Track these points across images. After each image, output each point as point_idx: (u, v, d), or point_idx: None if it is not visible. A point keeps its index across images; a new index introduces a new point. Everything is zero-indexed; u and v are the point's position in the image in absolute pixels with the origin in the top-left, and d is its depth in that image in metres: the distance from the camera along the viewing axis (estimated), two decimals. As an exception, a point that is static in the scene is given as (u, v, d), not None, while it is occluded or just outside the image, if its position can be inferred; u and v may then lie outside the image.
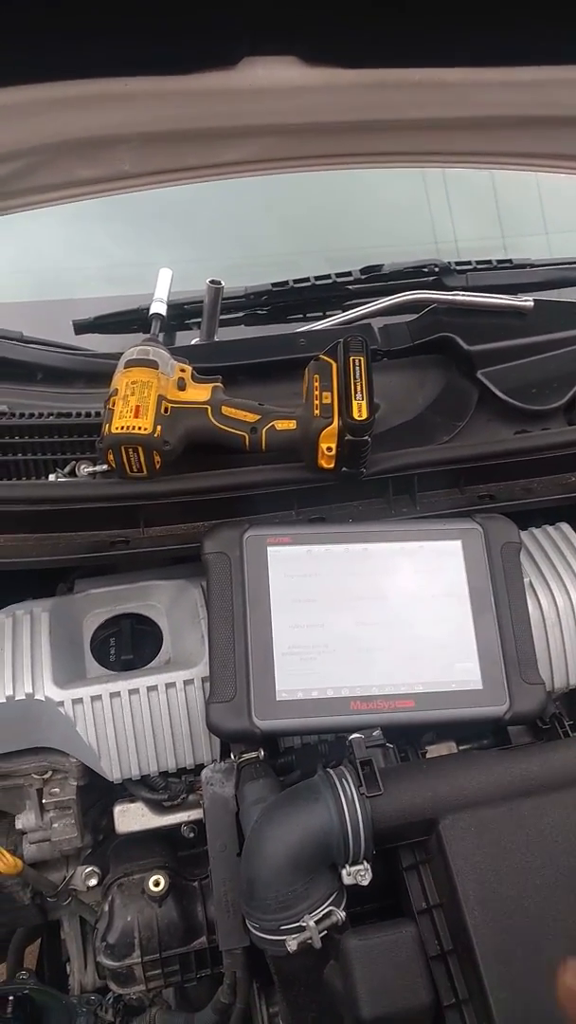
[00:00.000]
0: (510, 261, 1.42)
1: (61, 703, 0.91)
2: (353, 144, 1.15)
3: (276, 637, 0.91)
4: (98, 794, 0.96)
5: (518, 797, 0.81)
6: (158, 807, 0.94)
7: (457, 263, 1.39)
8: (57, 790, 0.92)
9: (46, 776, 0.92)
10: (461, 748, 0.96)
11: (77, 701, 0.91)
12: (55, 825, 0.92)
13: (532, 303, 1.20)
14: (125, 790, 0.95)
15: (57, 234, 1.49)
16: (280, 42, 0.89)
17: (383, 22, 0.88)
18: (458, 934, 0.77)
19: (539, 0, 0.83)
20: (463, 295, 1.23)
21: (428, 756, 0.94)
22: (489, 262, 1.41)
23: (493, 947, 0.74)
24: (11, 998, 0.87)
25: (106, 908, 0.90)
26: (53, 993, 0.92)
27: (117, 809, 0.94)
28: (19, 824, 0.93)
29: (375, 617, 0.95)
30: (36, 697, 0.91)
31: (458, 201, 1.76)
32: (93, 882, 0.93)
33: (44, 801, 0.92)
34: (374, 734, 0.86)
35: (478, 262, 1.40)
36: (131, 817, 0.94)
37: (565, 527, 1.09)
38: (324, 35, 0.90)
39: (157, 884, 0.89)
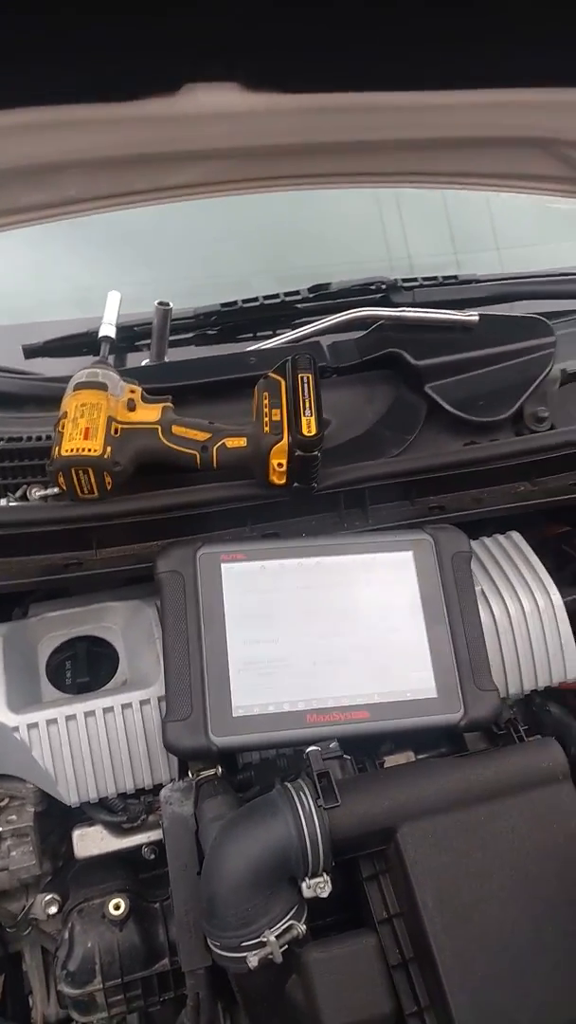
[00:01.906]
0: (455, 277, 1.46)
1: (16, 728, 0.90)
2: (296, 166, 1.18)
3: (231, 653, 0.91)
4: (56, 819, 0.95)
5: (474, 803, 0.82)
6: (117, 829, 0.94)
7: (404, 280, 1.42)
8: (14, 817, 0.91)
9: (2, 803, 0.91)
10: (419, 757, 0.97)
11: (32, 726, 0.90)
12: (13, 853, 0.91)
13: (477, 317, 1.23)
14: (83, 814, 0.94)
15: (5, 259, 1.49)
16: (220, 68, 0.91)
17: (321, 48, 0.90)
18: (418, 941, 0.77)
19: (476, 24, 0.86)
20: (410, 311, 1.26)
21: (386, 766, 0.95)
22: (435, 278, 1.44)
23: (452, 952, 0.75)
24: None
25: (66, 935, 0.89)
26: (14, 1027, 0.90)
27: (76, 833, 0.93)
28: (-25, 854, 0.92)
29: (330, 630, 0.96)
30: (-10, 723, 0.90)
31: (411, 219, 1.79)
32: (53, 910, 0.92)
33: (1, 829, 0.91)
34: (331, 746, 0.87)
35: (424, 278, 1.43)
36: (90, 841, 0.93)
37: (515, 535, 1.12)
38: (263, 61, 0.91)
39: (117, 908, 0.88)
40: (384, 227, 1.78)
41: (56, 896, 0.92)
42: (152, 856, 0.94)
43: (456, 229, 1.81)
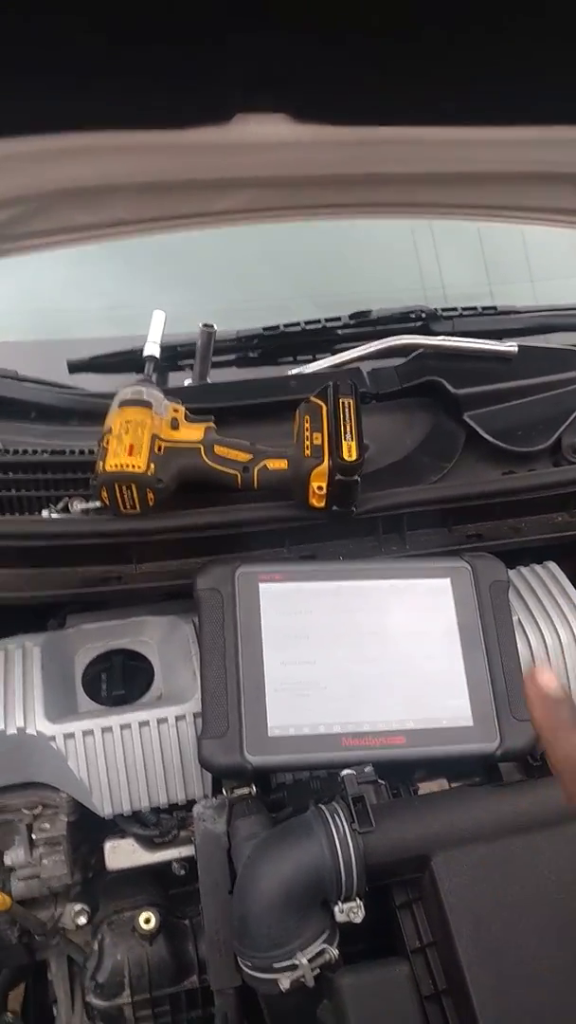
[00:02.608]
0: (495, 308, 1.47)
1: (53, 738, 0.91)
2: (341, 196, 1.20)
3: (268, 673, 0.92)
4: (88, 830, 0.95)
5: (511, 834, 0.82)
6: (149, 843, 0.94)
7: (443, 309, 1.43)
8: (47, 826, 0.92)
9: (36, 811, 0.92)
10: (452, 785, 0.97)
11: (69, 736, 0.91)
12: (45, 861, 0.91)
13: (516, 348, 1.25)
14: (116, 826, 0.94)
15: (53, 276, 1.52)
16: (271, 100, 0.94)
17: (369, 82, 0.93)
18: (452, 973, 0.77)
19: (523, 63, 0.88)
20: (450, 340, 1.27)
21: (420, 793, 0.95)
22: (475, 308, 1.46)
23: (487, 986, 0.74)
24: (-4, 1043, 0.85)
25: (96, 946, 0.89)
26: (38, 1038, 0.90)
27: (108, 845, 0.94)
28: (8, 860, 0.92)
29: (366, 654, 0.96)
30: (27, 731, 0.91)
31: (445, 249, 1.82)
32: (83, 920, 0.92)
33: (34, 837, 0.92)
34: (366, 770, 0.87)
35: (464, 308, 1.45)
36: (122, 854, 0.93)
37: (552, 566, 1.12)
38: (313, 94, 0.94)
39: (148, 922, 0.88)
40: (419, 257, 1.80)
41: (85, 907, 0.93)
42: (182, 872, 0.94)
43: (490, 260, 1.84)
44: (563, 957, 0.76)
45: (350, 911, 0.78)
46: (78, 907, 0.92)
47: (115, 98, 0.90)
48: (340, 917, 0.78)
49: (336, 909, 0.78)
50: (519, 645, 0.99)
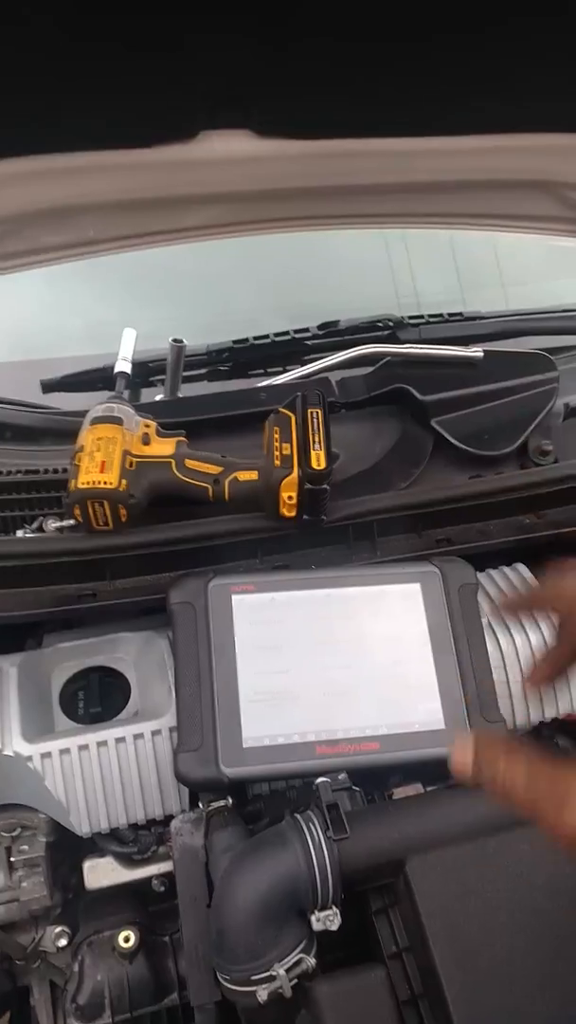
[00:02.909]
0: (460, 314, 1.49)
1: (29, 758, 0.91)
2: (307, 208, 1.22)
3: (242, 684, 0.93)
4: (67, 850, 0.95)
5: (484, 835, 0.82)
6: (128, 861, 0.94)
7: (410, 317, 1.45)
8: (26, 847, 0.91)
9: (15, 833, 0.92)
10: (428, 789, 0.97)
11: (46, 755, 0.91)
12: (24, 884, 0.91)
13: (482, 353, 1.26)
14: (94, 845, 0.94)
15: (26, 296, 1.53)
16: (234, 116, 0.95)
17: (331, 96, 0.94)
18: (428, 977, 0.77)
19: (480, 72, 0.90)
20: (416, 347, 1.29)
21: (395, 798, 0.95)
22: (441, 315, 1.48)
23: (462, 988, 0.74)
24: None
25: (76, 968, 0.89)
26: (23, 1062, 0.90)
27: (87, 865, 0.93)
28: (-13, 884, 0.92)
29: (339, 661, 0.97)
30: (4, 752, 0.91)
31: (418, 258, 1.84)
32: (63, 942, 0.92)
33: (12, 859, 0.91)
34: (340, 777, 0.87)
35: (430, 315, 1.47)
36: (101, 872, 0.93)
37: (521, 567, 1.13)
38: (275, 110, 0.96)
39: (127, 940, 0.88)
40: (392, 266, 1.82)
41: (66, 928, 0.92)
42: (162, 888, 0.94)
43: (462, 267, 1.86)
44: (537, 957, 0.76)
45: (326, 919, 0.78)
46: (58, 929, 0.92)
47: (81, 119, 0.92)
48: (317, 926, 0.78)
49: (313, 918, 0.78)
50: (489, 646, 1.00)
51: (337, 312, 1.52)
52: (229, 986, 0.78)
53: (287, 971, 0.76)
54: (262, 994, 0.75)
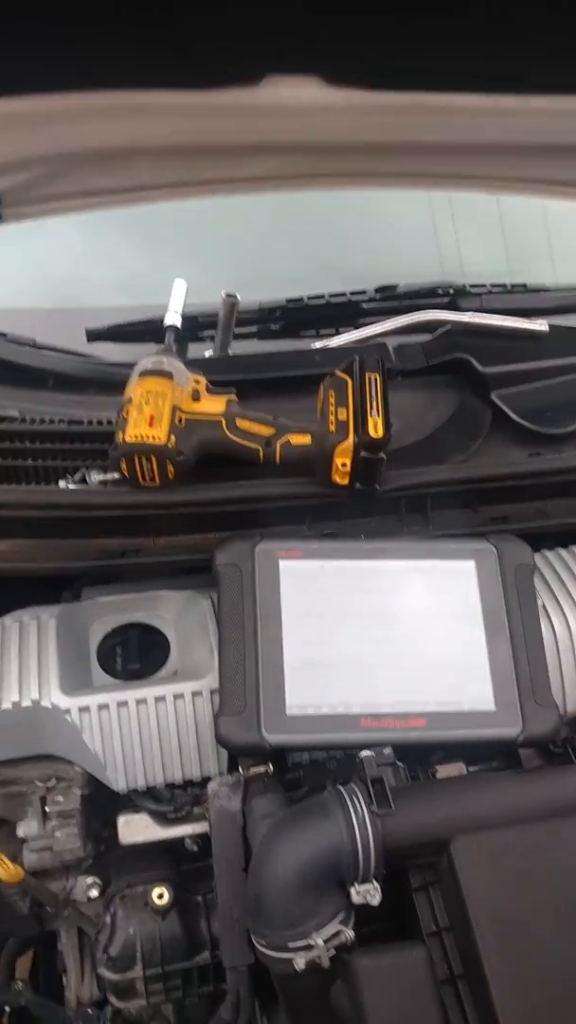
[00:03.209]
0: (524, 285, 1.44)
1: (68, 711, 0.90)
2: (370, 164, 1.17)
3: (287, 651, 0.91)
4: (102, 804, 0.95)
5: (532, 821, 0.81)
6: (162, 819, 0.93)
7: (472, 285, 1.40)
8: (61, 798, 0.91)
9: (50, 784, 0.91)
10: (471, 769, 0.96)
11: (84, 709, 0.90)
12: (57, 834, 0.91)
13: (547, 327, 1.21)
14: (129, 801, 0.94)
15: (73, 243, 1.49)
16: (303, 62, 0.90)
17: (403, 46, 0.89)
18: (468, 959, 0.76)
19: (557, 31, 0.84)
20: (478, 317, 1.24)
21: (439, 776, 0.94)
22: (504, 285, 1.43)
23: (504, 974, 0.73)
24: (7, 1010, 0.85)
25: (108, 920, 0.89)
26: (50, 1005, 0.90)
27: (121, 820, 0.93)
28: (21, 832, 0.92)
29: (387, 635, 0.95)
30: (42, 704, 0.90)
31: (464, 225, 1.77)
32: (94, 893, 0.92)
33: (47, 809, 0.91)
34: (385, 752, 0.86)
35: (493, 285, 1.41)
36: (135, 828, 0.93)
37: (577, 550, 1.10)
38: (346, 57, 0.91)
39: (161, 897, 0.88)
40: (437, 233, 1.76)
41: (97, 880, 0.93)
42: (195, 848, 0.94)
43: (510, 238, 1.79)
44: (583, 947, 0.74)
45: (367, 893, 0.77)
46: (90, 880, 0.92)
47: (142, 57, 0.87)
48: (356, 899, 0.77)
49: (352, 891, 0.77)
50: (543, 630, 0.97)
51: (382, 276, 1.46)
52: (265, 951, 0.77)
53: (325, 942, 0.75)
54: (299, 962, 0.74)
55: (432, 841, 0.80)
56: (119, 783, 0.91)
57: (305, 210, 1.61)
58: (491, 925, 0.75)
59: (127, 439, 0.96)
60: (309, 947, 0.75)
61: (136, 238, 1.53)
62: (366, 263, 1.64)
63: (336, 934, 0.76)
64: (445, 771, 0.94)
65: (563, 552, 1.09)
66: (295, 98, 0.94)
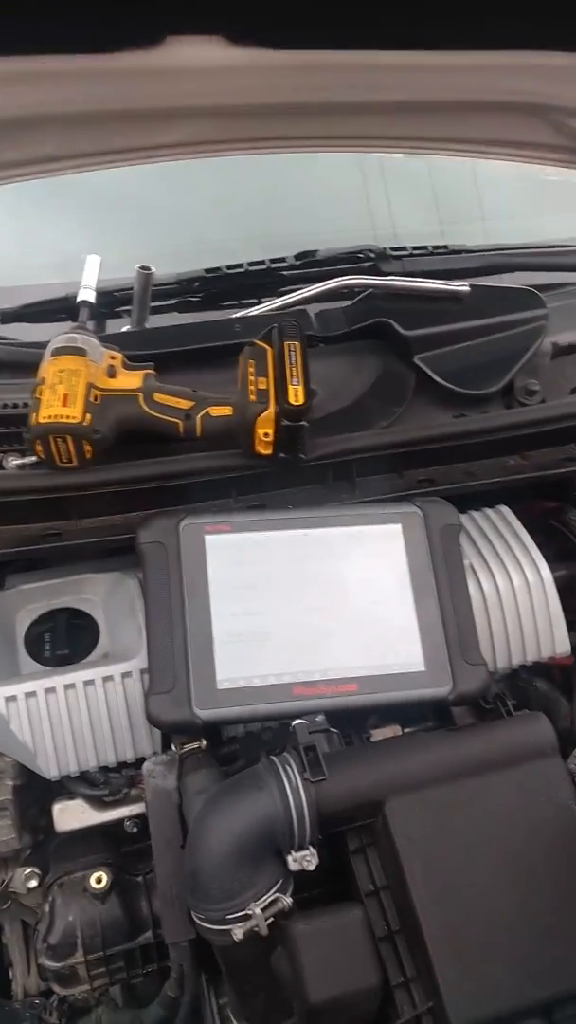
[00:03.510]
0: (446, 247, 1.43)
1: (-7, 702, 0.87)
2: (284, 127, 1.14)
3: (216, 626, 0.90)
4: (36, 793, 0.93)
5: (463, 777, 0.82)
6: (99, 803, 0.92)
7: (393, 249, 1.39)
8: (-7, 791, 0.89)
9: (-20, 777, 0.89)
10: (406, 731, 0.96)
11: (11, 699, 0.88)
12: (-8, 827, 0.89)
13: (468, 288, 1.21)
14: (64, 787, 0.92)
15: (-18, 219, 1.44)
16: (205, 21, 0.87)
17: (310, 2, 0.87)
18: (405, 914, 0.77)
19: None
20: (399, 280, 1.23)
21: (374, 740, 0.94)
22: (425, 248, 1.42)
23: (440, 925, 0.75)
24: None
25: (47, 909, 0.88)
26: (-4, 1000, 0.89)
27: (56, 807, 0.92)
28: (-46, 829, 0.90)
29: (317, 603, 0.94)
30: (-32, 697, 0.87)
31: (395, 188, 1.76)
32: (33, 883, 0.90)
33: (-21, 803, 0.89)
34: (317, 719, 0.86)
35: (414, 248, 1.41)
36: (71, 815, 0.91)
37: (504, 510, 1.11)
38: (250, 14, 0.88)
39: (99, 881, 0.87)
40: (368, 197, 1.74)
41: (36, 870, 0.91)
42: (134, 830, 0.93)
43: (441, 200, 1.79)
44: (513, 894, 0.76)
45: (303, 859, 0.77)
46: (27, 871, 0.91)
47: (35, 19, 0.83)
48: (293, 866, 0.77)
49: (289, 858, 0.78)
50: (471, 589, 0.98)
51: (313, 243, 1.44)
52: (204, 925, 0.77)
53: (263, 911, 0.75)
54: (237, 932, 0.75)
55: (367, 803, 0.80)
56: (51, 771, 0.89)
57: (229, 176, 1.58)
58: (426, 879, 0.76)
59: (40, 420, 0.93)
60: (247, 917, 0.75)
61: (51, 213, 1.48)
62: (296, 231, 1.62)
63: (274, 902, 0.76)
64: (380, 734, 0.94)
65: (489, 512, 1.10)
66: (199, 59, 0.91)
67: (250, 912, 0.75)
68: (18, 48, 0.86)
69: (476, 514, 1.10)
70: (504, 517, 1.09)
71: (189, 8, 0.85)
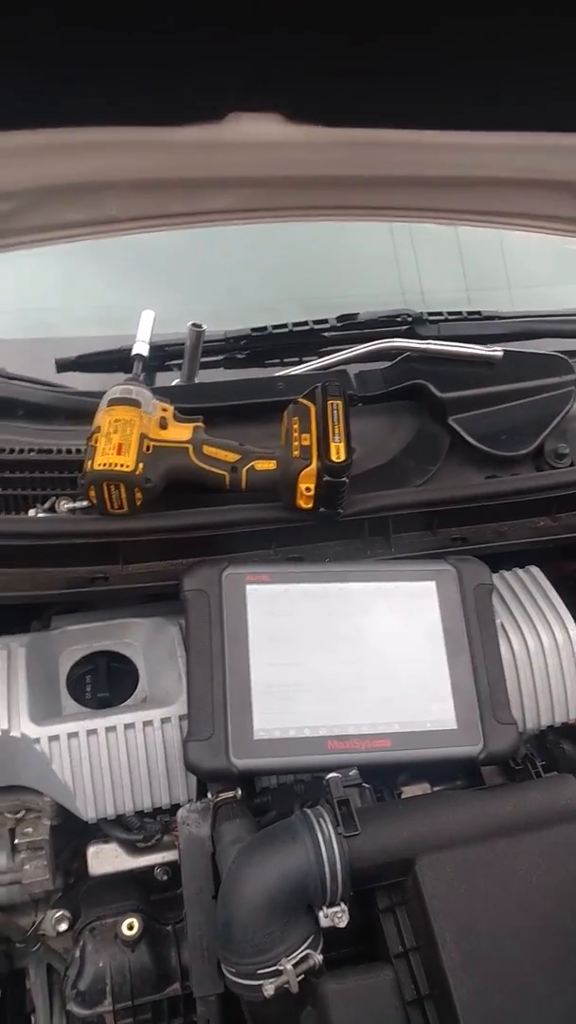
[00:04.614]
0: (479, 313, 1.48)
1: (37, 740, 0.90)
2: (329, 197, 1.20)
3: (254, 675, 0.92)
4: (71, 835, 0.94)
5: (493, 838, 0.82)
6: (132, 848, 0.93)
7: (430, 313, 1.44)
8: (30, 830, 0.91)
9: (19, 815, 0.91)
10: (435, 789, 0.97)
11: (54, 738, 0.90)
12: (26, 867, 0.90)
13: (502, 353, 1.25)
14: (99, 830, 0.93)
15: (43, 274, 1.51)
16: (265, 99, 0.93)
17: (364, 84, 0.93)
18: (435, 978, 0.77)
19: (511, 69, 0.88)
20: (436, 344, 1.28)
21: (404, 796, 0.95)
22: (460, 313, 1.47)
23: (470, 990, 0.74)
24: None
25: (77, 953, 0.88)
26: (18, 1046, 0.89)
27: (91, 850, 0.93)
28: (-11, 866, 0.91)
29: (352, 656, 0.96)
30: (11, 734, 0.89)
31: (425, 255, 1.83)
32: (64, 927, 0.91)
33: (16, 841, 0.90)
34: (351, 774, 0.87)
35: (449, 313, 1.46)
36: (105, 858, 0.92)
37: (535, 570, 1.13)
38: (307, 94, 0.94)
39: (131, 928, 0.87)
40: (398, 261, 1.81)
41: (67, 913, 0.92)
42: (165, 877, 0.94)
43: (468, 267, 1.85)
44: (545, 960, 0.76)
45: (334, 916, 0.78)
46: (59, 913, 0.91)
47: (108, 94, 0.89)
48: (325, 922, 0.78)
49: (321, 914, 0.78)
50: (502, 648, 0.99)
51: (346, 305, 1.50)
52: (234, 979, 0.77)
53: (294, 966, 0.75)
54: (268, 988, 0.75)
55: (398, 861, 0.81)
56: (88, 812, 0.90)
57: (271, 241, 1.65)
58: (456, 942, 0.76)
59: (95, 467, 0.97)
60: (278, 972, 0.75)
61: (105, 270, 1.55)
62: (330, 292, 1.68)
63: (304, 958, 0.76)
64: (410, 791, 0.95)
65: (520, 572, 1.12)
66: (257, 134, 0.97)
67: (281, 968, 0.75)
68: (91, 119, 0.93)
69: (507, 574, 1.12)
70: (535, 578, 1.11)
71: (251, 86, 0.91)
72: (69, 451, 1.08)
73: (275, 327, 1.38)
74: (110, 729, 0.91)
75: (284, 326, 1.38)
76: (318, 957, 0.77)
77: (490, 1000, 0.74)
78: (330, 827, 0.80)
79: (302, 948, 0.77)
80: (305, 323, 1.39)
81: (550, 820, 0.85)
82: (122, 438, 0.99)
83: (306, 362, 1.29)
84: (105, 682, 1.02)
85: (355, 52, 0.85)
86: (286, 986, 0.75)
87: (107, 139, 0.95)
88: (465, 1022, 0.73)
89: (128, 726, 0.92)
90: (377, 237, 1.81)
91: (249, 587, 0.97)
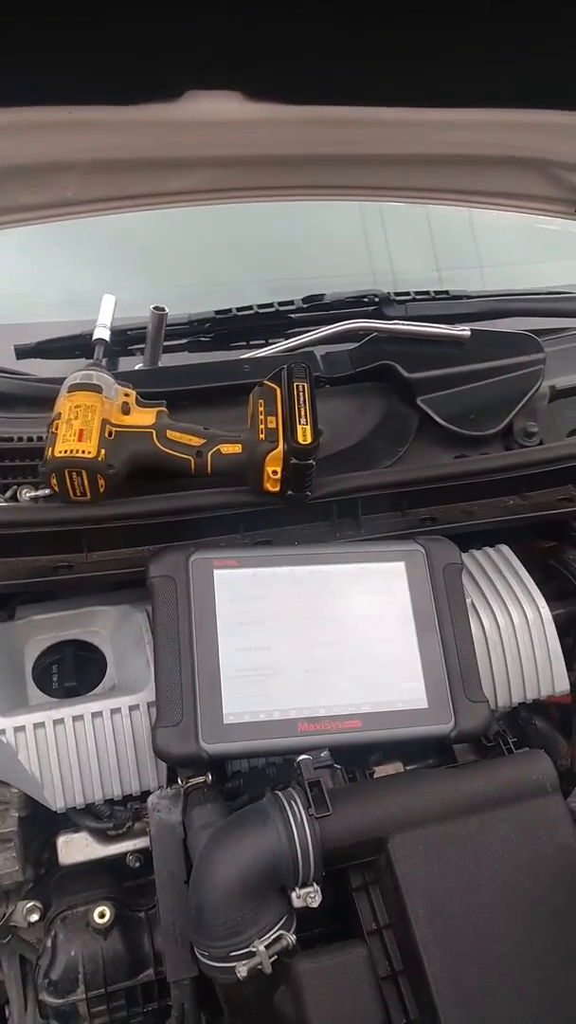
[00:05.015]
0: (447, 292, 1.48)
1: (3, 731, 0.88)
2: (291, 177, 1.19)
3: (223, 660, 0.91)
4: (39, 825, 0.93)
5: (465, 814, 0.83)
6: (103, 836, 0.92)
7: (397, 294, 1.43)
8: (-3, 822, 0.89)
9: (-15, 808, 0.89)
10: (408, 768, 0.97)
11: (19, 729, 0.89)
12: (-5, 859, 0.89)
13: (469, 332, 1.25)
14: (68, 820, 0.92)
15: (0, 260, 1.48)
16: (223, 77, 0.92)
17: (323, 61, 0.91)
18: (408, 953, 0.77)
19: (477, 44, 0.87)
20: (403, 324, 1.27)
21: (376, 776, 0.95)
22: (427, 293, 1.46)
23: (443, 964, 0.75)
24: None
25: (48, 943, 0.87)
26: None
27: (61, 840, 0.92)
28: (-43, 860, 0.90)
29: (322, 639, 0.96)
30: (-24, 727, 0.88)
31: (395, 235, 1.81)
32: (35, 917, 0.90)
33: (-17, 835, 0.89)
34: (322, 755, 0.86)
35: (417, 293, 1.45)
36: (75, 848, 0.91)
37: (504, 549, 1.13)
38: (266, 71, 0.92)
39: (102, 916, 0.86)
40: (368, 242, 1.80)
41: (38, 904, 0.91)
42: (137, 864, 0.93)
43: (439, 246, 1.84)
44: (515, 933, 0.77)
45: (307, 896, 0.78)
46: (30, 904, 0.90)
47: (62, 72, 0.87)
48: (297, 903, 0.78)
49: (293, 895, 0.78)
50: (472, 627, 1.00)
51: (315, 287, 1.49)
52: (208, 962, 0.77)
53: (267, 947, 0.75)
54: (241, 970, 0.74)
55: (370, 840, 0.81)
56: (57, 802, 0.89)
57: (238, 223, 1.63)
58: (429, 918, 0.76)
59: (56, 454, 0.96)
60: (251, 954, 0.75)
61: (66, 253, 1.52)
62: (300, 274, 1.67)
63: (277, 939, 0.76)
64: (383, 771, 0.95)
65: (490, 551, 1.12)
66: (216, 113, 0.95)
67: (254, 949, 0.75)
68: (46, 98, 0.90)
69: (477, 553, 1.12)
70: (504, 556, 1.12)
71: (208, 64, 0.89)
72: (31, 439, 1.06)
73: (240, 309, 1.36)
74: (77, 718, 0.90)
75: (249, 308, 1.37)
76: (291, 937, 0.77)
77: (463, 974, 0.75)
78: (301, 809, 0.80)
79: (275, 929, 0.77)
80: (271, 305, 1.38)
81: (521, 796, 0.85)
82: (83, 424, 0.97)
83: (272, 345, 1.27)
84: (72, 671, 1.00)
85: (315, 28, 0.83)
86: (259, 967, 0.75)
87: (62, 119, 0.93)
88: (439, 996, 0.73)
89: (96, 715, 0.91)
90: (347, 217, 1.79)
91: (217, 572, 0.96)
